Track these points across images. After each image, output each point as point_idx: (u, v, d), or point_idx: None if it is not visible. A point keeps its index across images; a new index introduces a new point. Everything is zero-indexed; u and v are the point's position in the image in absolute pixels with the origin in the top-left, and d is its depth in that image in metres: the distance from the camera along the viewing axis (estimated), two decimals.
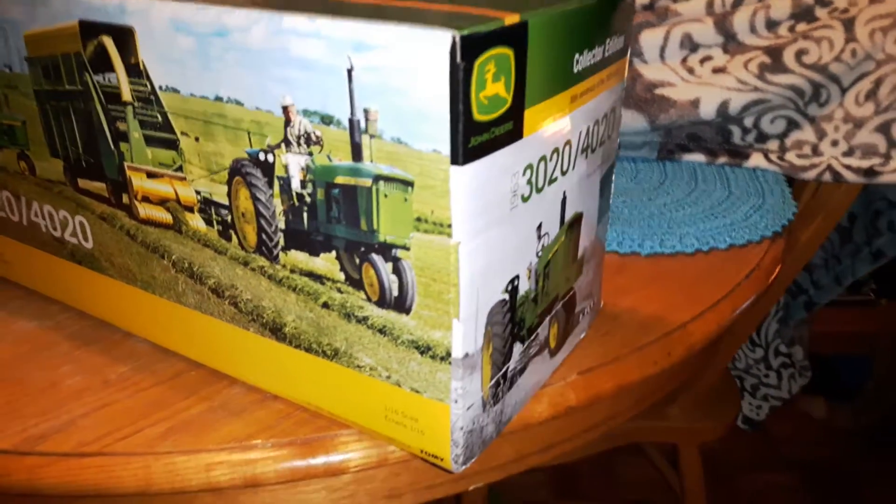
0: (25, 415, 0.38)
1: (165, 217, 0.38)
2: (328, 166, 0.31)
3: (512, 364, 0.36)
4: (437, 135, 0.28)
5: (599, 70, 0.35)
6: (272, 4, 0.31)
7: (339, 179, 0.31)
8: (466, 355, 0.32)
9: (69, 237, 0.44)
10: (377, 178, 0.30)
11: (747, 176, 0.69)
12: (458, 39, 0.26)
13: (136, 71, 0.35)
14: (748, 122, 0.69)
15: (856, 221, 0.83)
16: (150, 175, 0.38)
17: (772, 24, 0.70)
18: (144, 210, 0.39)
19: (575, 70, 0.33)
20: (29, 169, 0.43)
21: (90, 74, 0.37)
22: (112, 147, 0.38)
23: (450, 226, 0.29)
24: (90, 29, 0.36)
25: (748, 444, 1.51)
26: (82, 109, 0.39)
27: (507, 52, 0.28)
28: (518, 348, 0.36)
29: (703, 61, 0.70)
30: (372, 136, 0.29)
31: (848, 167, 0.68)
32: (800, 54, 0.69)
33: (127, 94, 0.36)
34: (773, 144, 0.71)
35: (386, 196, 0.30)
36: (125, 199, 0.40)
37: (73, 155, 0.41)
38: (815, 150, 0.69)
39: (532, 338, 0.37)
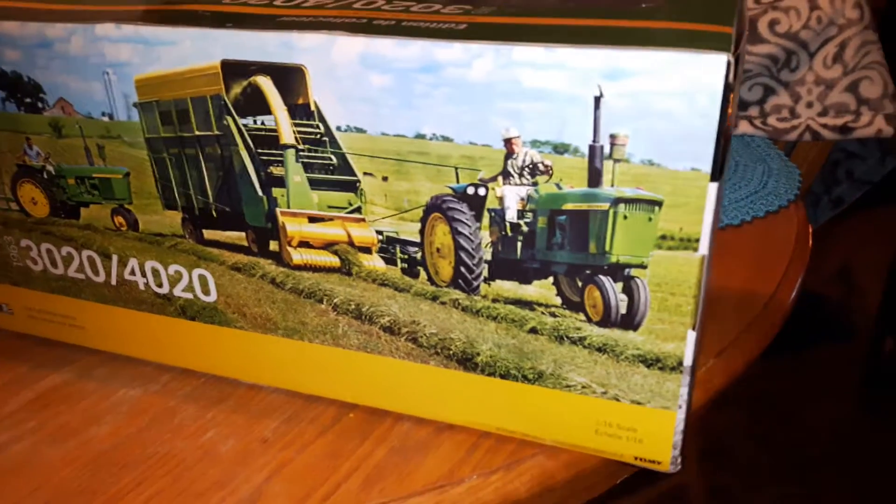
0: (202, 492, 0.36)
1: (330, 261, 0.36)
2: (556, 194, 0.31)
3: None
4: (699, 153, 0.28)
5: None
6: (483, 35, 0.30)
7: (568, 206, 0.31)
8: (692, 363, 0.33)
9: (181, 293, 0.40)
10: (617, 201, 0.30)
11: (741, 144, 0.73)
12: (731, 61, 0.27)
13: (304, 112, 0.33)
14: None
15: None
16: (313, 219, 0.36)
17: None
18: (300, 256, 0.37)
19: None
20: (128, 224, 0.39)
21: (233, 118, 0.35)
22: (260, 193, 0.36)
23: (697, 240, 0.30)
24: (237, 69, 0.33)
25: None
26: (218, 156, 0.36)
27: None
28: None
29: None
30: (617, 161, 0.29)
31: (824, 126, 0.74)
32: (772, 24, 0.74)
33: (289, 137, 0.34)
34: (753, 111, 0.76)
35: (626, 217, 0.30)
36: (272, 246, 0.37)
37: (199, 205, 0.37)
38: (793, 113, 0.75)
39: None
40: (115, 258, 0.41)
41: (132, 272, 0.41)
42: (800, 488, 1.25)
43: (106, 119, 0.37)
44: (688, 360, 0.33)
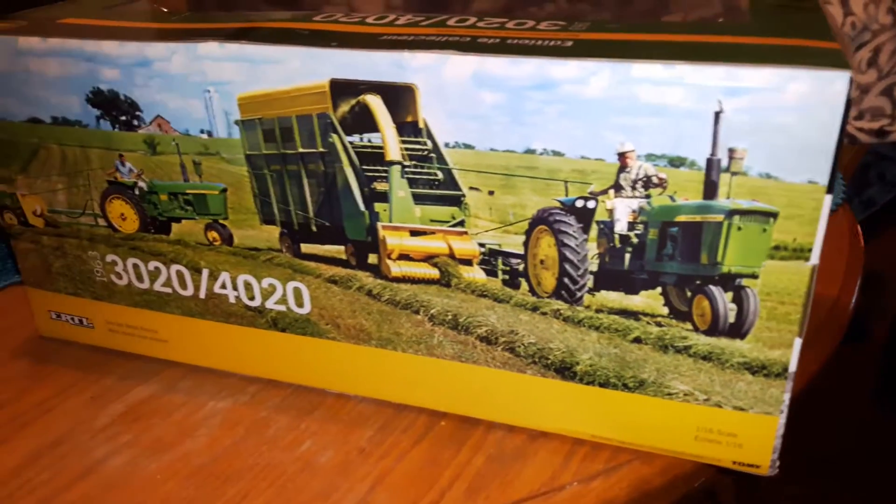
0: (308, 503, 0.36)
1: (429, 273, 0.37)
2: (669, 206, 0.32)
3: None
4: (816, 166, 0.29)
5: None
6: (591, 52, 0.31)
7: (682, 217, 0.32)
8: (795, 369, 0.34)
9: (273, 305, 0.41)
10: (731, 213, 0.31)
11: None
12: (852, 77, 0.27)
13: (412, 129, 0.34)
14: None
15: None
16: (415, 233, 0.36)
17: None
18: (399, 268, 0.37)
19: None
20: (222, 239, 0.40)
21: (339, 135, 0.35)
22: (362, 208, 0.36)
23: (810, 250, 0.31)
24: (345, 88, 0.34)
25: None
26: (321, 172, 0.36)
27: None
28: None
29: None
30: (734, 174, 0.30)
31: (861, 129, 0.75)
32: None
33: (395, 154, 0.35)
34: None
35: (740, 229, 0.31)
36: (371, 259, 0.38)
37: (299, 220, 0.38)
38: None
39: None
40: (205, 272, 0.41)
41: (223, 286, 0.41)
42: (815, 488, 1.26)
43: (204, 136, 0.37)
44: (792, 367, 0.33)
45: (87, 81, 0.38)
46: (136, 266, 0.43)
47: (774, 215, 0.30)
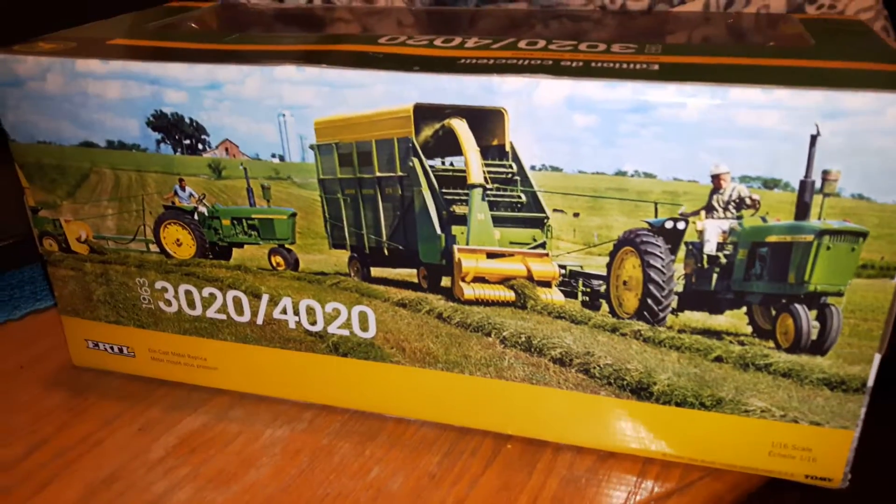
0: None
1: (504, 295, 0.37)
2: (760, 227, 0.32)
3: None
4: None
5: None
6: (678, 75, 0.31)
7: (772, 238, 0.32)
8: (873, 384, 0.34)
9: (336, 329, 0.40)
10: (822, 233, 0.32)
11: None
12: None
13: (497, 152, 0.34)
14: None
15: None
16: (491, 255, 0.36)
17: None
18: (473, 291, 0.37)
19: None
20: (287, 264, 0.39)
21: (420, 159, 0.35)
22: (438, 231, 0.36)
23: (895, 268, 0.32)
24: (429, 113, 0.34)
25: None
26: (398, 196, 0.36)
27: None
28: None
29: None
30: (827, 195, 0.31)
31: None
32: None
33: (477, 177, 0.34)
34: None
35: (829, 248, 0.32)
36: (444, 282, 0.37)
37: (371, 243, 0.37)
38: None
39: None
40: (265, 297, 0.40)
41: (283, 311, 0.40)
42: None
43: (275, 160, 0.37)
44: (870, 381, 0.34)
45: (150, 104, 0.37)
46: (188, 292, 0.42)
47: (864, 235, 0.31)
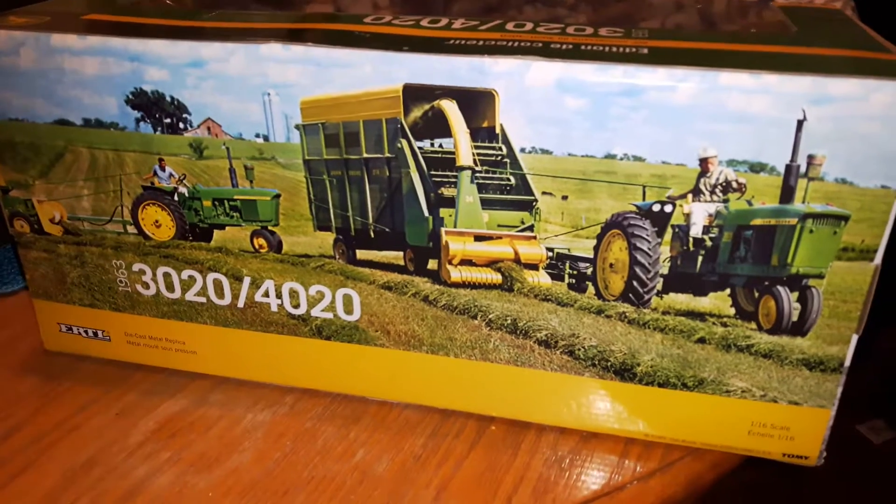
0: None
1: (491, 277, 0.37)
2: (745, 210, 0.33)
3: None
4: (891, 172, 0.31)
5: None
6: (668, 60, 0.32)
7: (757, 221, 0.33)
8: (850, 364, 0.35)
9: (320, 313, 0.40)
10: (805, 217, 0.32)
11: None
12: None
13: (487, 134, 0.34)
14: None
15: None
16: (479, 238, 0.36)
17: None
18: (460, 273, 0.37)
19: None
20: (270, 246, 0.39)
21: (408, 141, 0.35)
22: (426, 214, 0.36)
23: (875, 251, 0.32)
24: (419, 93, 0.33)
25: None
26: (385, 178, 0.36)
27: None
28: None
29: None
30: (811, 179, 0.31)
31: None
32: None
33: (467, 159, 0.34)
34: None
35: (811, 232, 0.32)
36: (430, 265, 0.37)
37: (357, 226, 0.37)
38: None
39: None
40: (246, 280, 0.40)
41: (265, 294, 0.40)
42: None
43: (260, 140, 0.36)
44: (847, 362, 0.35)
45: (129, 82, 0.36)
46: (166, 275, 0.41)
47: (846, 218, 0.32)
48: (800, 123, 0.30)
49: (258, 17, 0.38)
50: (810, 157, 0.31)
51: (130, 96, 0.36)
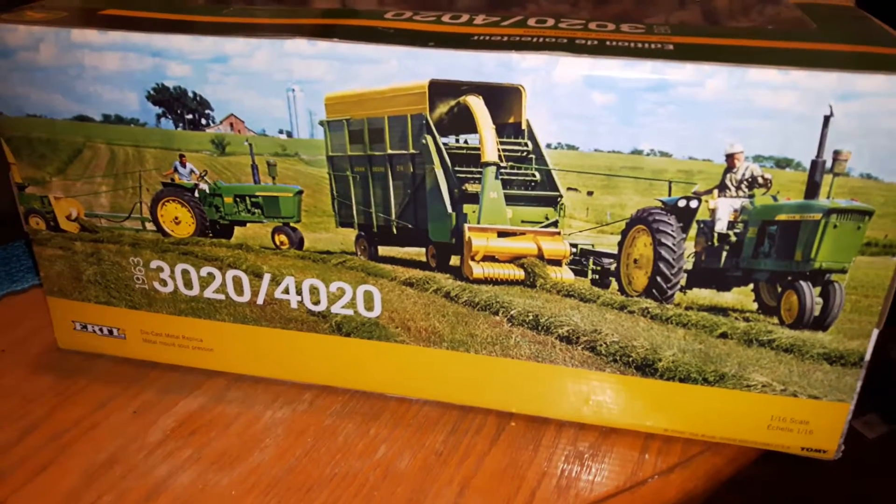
0: None
1: (514, 273, 0.37)
2: (771, 205, 0.33)
3: None
4: None
5: None
6: (694, 55, 0.32)
7: (781, 216, 0.33)
8: (870, 358, 0.36)
9: (340, 309, 0.40)
10: (830, 212, 0.33)
11: None
12: None
13: (513, 130, 0.34)
14: None
15: None
16: (502, 234, 0.36)
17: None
18: (482, 269, 0.37)
19: None
20: (291, 242, 0.39)
21: (433, 136, 0.35)
22: (449, 210, 0.36)
23: None
24: (445, 89, 0.33)
25: None
26: (409, 174, 0.36)
27: None
28: None
29: None
30: (836, 175, 0.32)
31: None
32: None
33: (492, 155, 0.34)
34: None
35: (835, 227, 0.33)
36: (453, 261, 0.37)
37: (379, 222, 0.37)
38: None
39: None
40: (266, 277, 0.40)
41: (285, 291, 0.40)
42: None
43: (283, 136, 0.36)
44: (868, 356, 0.35)
45: (151, 77, 0.36)
46: (185, 272, 0.41)
47: (870, 213, 0.32)
48: (826, 119, 0.31)
49: (281, 13, 0.38)
50: (836, 153, 0.31)
51: (152, 92, 0.36)
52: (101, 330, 0.44)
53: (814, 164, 0.32)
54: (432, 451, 0.39)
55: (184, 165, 0.38)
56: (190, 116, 0.36)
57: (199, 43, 0.35)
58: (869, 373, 0.35)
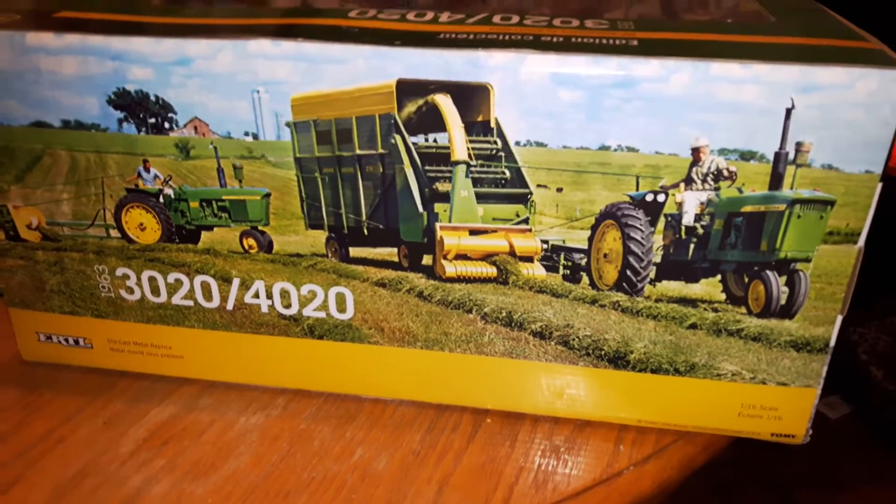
0: None
1: (486, 271, 0.37)
2: (736, 198, 0.34)
3: None
4: (874, 158, 0.32)
5: None
6: (660, 51, 0.32)
7: (747, 208, 0.34)
8: (835, 343, 0.37)
9: (311, 312, 0.39)
10: (793, 202, 0.33)
11: None
12: None
13: (482, 128, 0.34)
14: None
15: None
16: (474, 232, 0.36)
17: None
18: (454, 268, 0.37)
19: None
20: (260, 246, 0.38)
21: (402, 136, 0.34)
22: (420, 209, 0.36)
23: (859, 234, 0.34)
24: (413, 88, 0.33)
25: None
26: (378, 174, 0.36)
27: None
28: None
29: None
30: (799, 166, 0.32)
31: None
32: None
33: (461, 154, 0.34)
34: None
35: (799, 217, 0.33)
36: (425, 260, 0.37)
37: (350, 223, 0.37)
38: None
39: None
40: (236, 282, 0.39)
41: (255, 295, 0.39)
42: None
43: (249, 139, 0.35)
44: (832, 342, 0.36)
45: (111, 81, 0.35)
46: (152, 279, 0.40)
47: (832, 203, 0.33)
48: (788, 112, 0.31)
49: (244, 13, 0.38)
50: (798, 145, 0.32)
51: (113, 96, 0.35)
52: (66, 340, 0.43)
53: (777, 155, 0.32)
54: (409, 450, 0.39)
55: (147, 170, 0.37)
56: (153, 120, 0.36)
57: (160, 45, 0.34)
58: (832, 356, 0.36)
